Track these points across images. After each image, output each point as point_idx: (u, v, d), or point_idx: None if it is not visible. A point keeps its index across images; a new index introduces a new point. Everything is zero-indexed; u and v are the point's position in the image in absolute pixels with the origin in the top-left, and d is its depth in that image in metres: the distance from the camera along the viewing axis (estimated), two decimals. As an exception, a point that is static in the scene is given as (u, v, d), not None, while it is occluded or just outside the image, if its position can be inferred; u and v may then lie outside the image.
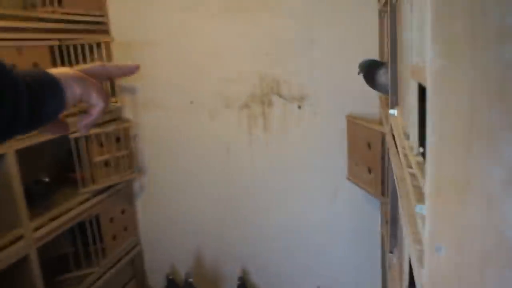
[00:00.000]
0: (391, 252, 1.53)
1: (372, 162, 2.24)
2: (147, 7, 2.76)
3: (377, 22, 2.34)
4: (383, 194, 2.16)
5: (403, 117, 1.08)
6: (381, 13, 2.23)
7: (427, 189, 0.53)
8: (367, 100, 2.42)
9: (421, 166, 0.68)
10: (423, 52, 0.61)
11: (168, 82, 2.84)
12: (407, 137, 0.88)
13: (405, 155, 0.81)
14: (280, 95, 2.66)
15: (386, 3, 1.63)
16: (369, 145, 2.25)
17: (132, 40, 2.81)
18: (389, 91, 1.41)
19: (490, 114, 0.48)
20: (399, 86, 1.28)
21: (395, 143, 1.09)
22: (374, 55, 2.34)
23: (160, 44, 2.79)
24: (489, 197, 0.49)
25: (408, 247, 0.70)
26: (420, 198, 0.61)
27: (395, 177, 1.00)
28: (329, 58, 2.50)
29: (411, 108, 0.80)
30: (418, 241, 0.60)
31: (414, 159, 0.73)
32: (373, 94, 2.21)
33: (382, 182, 2.16)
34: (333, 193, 2.68)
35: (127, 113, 2.94)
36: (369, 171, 2.28)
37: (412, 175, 0.72)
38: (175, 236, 3.04)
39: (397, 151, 0.99)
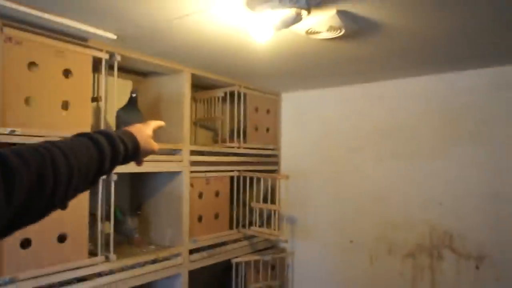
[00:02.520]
0: None
1: None
2: (318, 143, 2.92)
3: None
4: None
5: None
6: None
7: None
8: None
9: None
10: None
11: (328, 217, 2.84)
12: None
13: None
14: (453, 250, 2.39)
15: None
16: None
17: (298, 173, 2.97)
18: None
19: None
20: None
21: None
22: None
23: (324, 180, 2.87)
24: None
25: None
26: None
27: None
28: (519, 218, 2.19)
29: None
30: None
31: None
32: None
33: None
34: None
35: (284, 243, 2.98)
36: None
37: None
38: None
39: None
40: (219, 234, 2.49)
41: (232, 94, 2.67)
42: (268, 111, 2.94)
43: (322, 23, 1.48)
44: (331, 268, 2.80)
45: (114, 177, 1.83)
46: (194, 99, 2.77)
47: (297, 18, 1.30)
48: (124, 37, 1.72)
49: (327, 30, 1.55)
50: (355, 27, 1.55)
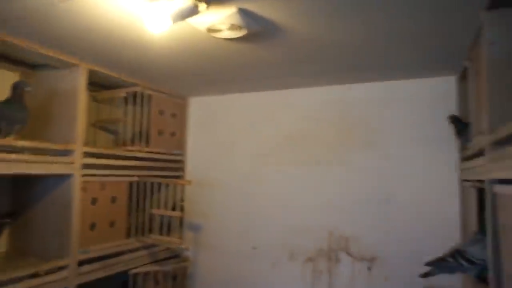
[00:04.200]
0: None
1: None
2: (221, 150, 2.90)
3: (459, 191, 2.23)
4: None
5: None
6: (465, 186, 2.12)
7: None
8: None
9: None
10: None
11: (233, 225, 2.80)
12: None
13: None
14: (348, 253, 2.49)
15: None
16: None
17: (203, 179, 2.90)
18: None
19: None
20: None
21: None
22: (456, 223, 2.18)
23: (230, 187, 2.84)
24: None
25: None
26: None
27: None
28: (406, 221, 2.35)
29: None
30: None
31: None
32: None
33: None
34: None
35: (187, 251, 2.88)
36: None
37: None
38: None
39: None
40: (115, 244, 2.31)
41: (135, 95, 2.54)
42: (174, 115, 2.84)
43: (223, 20, 1.45)
44: (234, 275, 2.76)
45: (-14, 178, 1.60)
46: (95, 99, 2.58)
47: (195, 10, 1.25)
48: (5, 18, 1.53)
49: (229, 29, 1.53)
50: (257, 28, 1.55)
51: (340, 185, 2.54)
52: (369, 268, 2.44)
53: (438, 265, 1.55)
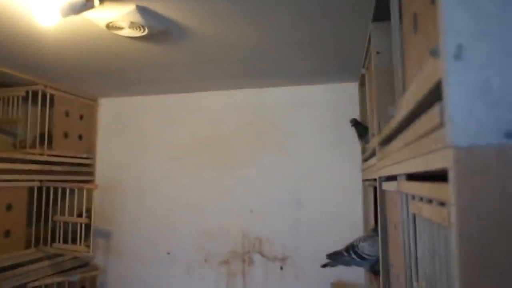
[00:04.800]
0: None
1: None
2: (134, 153, 2.80)
3: (362, 191, 2.37)
4: None
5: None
6: (365, 185, 2.27)
7: None
8: (353, 268, 2.30)
9: None
10: None
11: (145, 230, 2.72)
12: None
13: None
14: (262, 254, 2.54)
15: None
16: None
17: (114, 183, 2.79)
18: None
19: None
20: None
21: None
22: (360, 221, 2.32)
23: (141, 191, 2.76)
24: None
25: None
26: None
27: None
28: (315, 221, 2.45)
29: None
30: None
31: None
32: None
33: None
34: None
35: (97, 259, 2.74)
36: None
37: None
38: None
39: None
40: (11, 255, 2.13)
41: (36, 94, 2.36)
42: (81, 117, 2.70)
43: (122, 17, 1.40)
44: (148, 282, 2.67)
45: None
46: (-11, 98, 2.37)
47: (88, 5, 1.20)
48: None
49: (130, 27, 1.49)
50: (159, 27, 1.52)
51: (253, 187, 2.58)
52: (281, 268, 2.51)
53: (335, 258, 1.64)
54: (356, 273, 2.29)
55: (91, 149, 2.81)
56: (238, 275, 2.56)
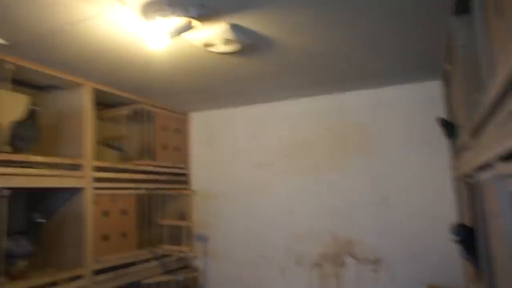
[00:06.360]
0: None
1: None
2: (225, 162, 3.01)
3: (453, 188, 2.30)
4: None
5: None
6: (457, 182, 2.20)
7: None
8: (448, 270, 2.24)
9: None
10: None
11: (239, 234, 2.89)
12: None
13: None
14: (353, 256, 2.56)
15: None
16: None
17: (209, 191, 3.01)
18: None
19: None
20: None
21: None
22: (452, 219, 2.25)
23: (233, 197, 2.94)
24: None
25: None
26: None
27: None
28: (405, 221, 2.43)
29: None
30: None
31: None
32: (457, 263, 2.07)
33: None
34: None
35: (197, 261, 2.97)
36: None
37: None
38: None
39: None
40: (127, 254, 2.41)
41: (139, 112, 2.67)
42: (177, 130, 2.97)
43: (217, 35, 1.58)
44: (244, 283, 2.83)
45: (5, 192, 1.72)
46: (100, 118, 2.72)
47: (189, 27, 1.38)
48: (17, 43, 1.67)
49: (224, 44, 1.66)
50: (249, 41, 1.68)
51: (339, 190, 2.63)
52: (374, 270, 2.50)
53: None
54: (452, 275, 2.22)
55: (186, 159, 3.07)
56: (330, 278, 2.61)
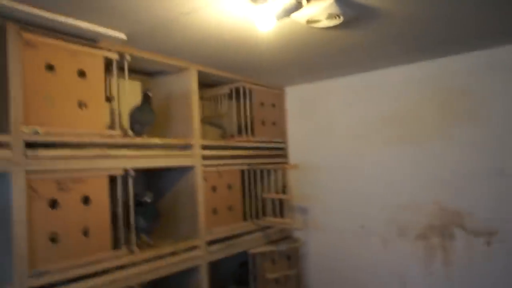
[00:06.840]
0: None
1: None
2: (321, 135, 3.00)
3: None
4: None
5: None
6: None
7: None
8: None
9: None
10: None
11: (338, 205, 2.90)
12: None
13: None
14: (463, 228, 2.44)
15: None
16: None
17: (306, 163, 3.04)
18: None
19: None
20: None
21: None
22: None
23: (332, 169, 2.94)
24: None
25: None
26: None
27: None
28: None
29: None
30: None
31: None
32: None
33: None
34: None
35: (297, 232, 3.05)
36: None
37: None
38: None
39: None
40: (234, 226, 2.56)
41: (237, 90, 2.75)
42: (273, 105, 3.01)
43: (321, 11, 1.55)
44: (345, 254, 2.86)
45: (131, 173, 1.91)
46: (200, 97, 2.85)
47: (298, 6, 1.37)
48: (134, 36, 1.80)
49: (327, 18, 1.62)
50: (353, 14, 1.62)
51: (444, 160, 2.48)
52: (488, 244, 2.36)
53: None
54: None
55: (283, 133, 3.12)
56: (437, 250, 2.52)
